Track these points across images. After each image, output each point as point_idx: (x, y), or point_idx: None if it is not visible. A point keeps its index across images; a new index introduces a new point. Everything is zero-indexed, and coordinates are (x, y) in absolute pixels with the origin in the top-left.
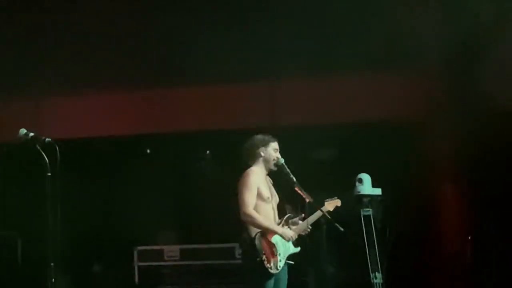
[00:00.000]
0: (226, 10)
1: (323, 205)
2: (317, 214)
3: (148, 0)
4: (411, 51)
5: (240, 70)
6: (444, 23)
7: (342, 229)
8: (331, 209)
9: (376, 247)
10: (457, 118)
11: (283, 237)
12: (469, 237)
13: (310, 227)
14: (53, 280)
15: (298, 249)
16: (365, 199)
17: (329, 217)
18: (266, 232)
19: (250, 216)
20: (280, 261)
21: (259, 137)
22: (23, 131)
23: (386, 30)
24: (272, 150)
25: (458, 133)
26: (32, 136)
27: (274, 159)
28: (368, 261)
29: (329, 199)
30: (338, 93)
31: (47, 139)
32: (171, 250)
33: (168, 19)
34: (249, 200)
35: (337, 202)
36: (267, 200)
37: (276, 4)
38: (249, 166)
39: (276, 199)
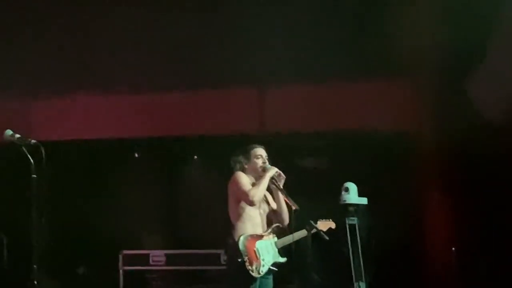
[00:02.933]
0: (216, 15)
1: (315, 211)
2: (304, 232)
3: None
4: (401, 61)
5: (230, 76)
6: (434, 33)
7: (327, 238)
8: (324, 229)
9: (361, 256)
10: (444, 128)
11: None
12: (453, 248)
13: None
14: (35, 282)
15: (284, 259)
16: (350, 208)
17: (314, 226)
18: (251, 236)
19: (254, 195)
20: (263, 266)
21: (242, 149)
22: (8, 132)
23: (377, 39)
24: (255, 158)
25: (445, 143)
26: (17, 138)
27: (260, 166)
28: (352, 270)
29: (324, 220)
30: (326, 101)
31: (32, 141)
32: (157, 255)
33: (160, 21)
34: (246, 188)
35: (331, 224)
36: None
37: (267, 9)
38: None
39: (265, 207)
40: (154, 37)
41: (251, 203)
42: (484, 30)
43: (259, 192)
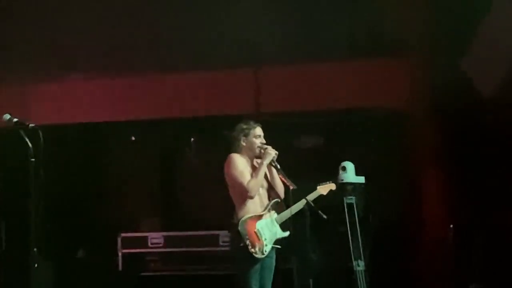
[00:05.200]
0: None
1: (312, 191)
2: (302, 202)
3: None
4: (396, 40)
5: (225, 56)
6: (425, 11)
7: (325, 217)
8: (325, 193)
9: (359, 235)
10: (440, 107)
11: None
12: (451, 226)
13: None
14: (35, 265)
15: (287, 233)
16: (348, 187)
17: (312, 204)
18: (250, 218)
19: (251, 190)
20: (266, 245)
21: (240, 126)
22: (7, 116)
23: (371, 18)
24: (254, 138)
25: (441, 122)
26: (16, 122)
27: (258, 146)
28: (351, 248)
29: (323, 183)
30: (323, 80)
31: (31, 125)
32: (155, 237)
33: (151, 3)
34: (242, 180)
35: (331, 186)
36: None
37: None
38: None
39: (264, 183)
40: (148, 18)
41: (249, 197)
42: (476, 5)
43: (257, 185)
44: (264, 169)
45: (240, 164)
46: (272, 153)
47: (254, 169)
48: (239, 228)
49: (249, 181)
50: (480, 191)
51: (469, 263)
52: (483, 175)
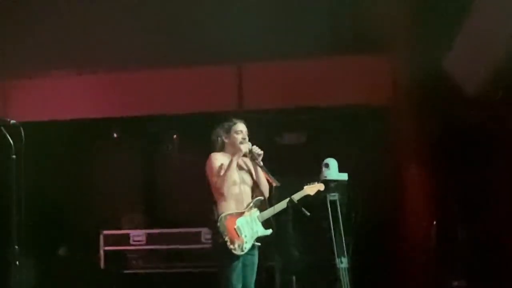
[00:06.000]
0: None
1: (296, 188)
2: (286, 201)
3: None
4: (379, 36)
5: (208, 53)
6: (408, 7)
7: (308, 214)
8: (312, 193)
9: (342, 232)
10: (423, 103)
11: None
12: (434, 222)
13: None
14: (16, 263)
15: (269, 231)
16: (331, 184)
17: (296, 202)
18: (230, 215)
19: (220, 187)
20: (246, 242)
21: (221, 125)
22: None
23: (353, 15)
24: (235, 133)
25: (424, 118)
26: None
27: (240, 141)
28: (334, 245)
29: (310, 183)
30: (306, 77)
31: (12, 121)
32: (137, 235)
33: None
34: (215, 178)
35: (319, 187)
36: (234, 183)
37: None
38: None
39: (248, 180)
40: (130, 15)
41: (220, 194)
42: (462, 3)
43: (224, 181)
44: (233, 166)
45: (218, 162)
46: (243, 148)
47: (238, 166)
48: (219, 224)
49: (218, 178)
50: (463, 187)
51: (452, 259)
52: (466, 171)
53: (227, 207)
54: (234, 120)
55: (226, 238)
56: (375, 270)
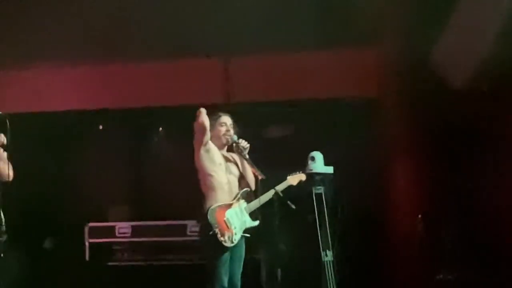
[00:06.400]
0: None
1: (282, 181)
2: (271, 192)
3: None
4: (365, 29)
5: (195, 45)
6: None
7: (294, 207)
8: (295, 184)
9: (327, 225)
10: (410, 97)
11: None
12: (419, 216)
13: None
14: (1, 255)
15: (257, 222)
16: (317, 177)
17: (281, 195)
18: (220, 207)
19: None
20: (236, 234)
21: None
22: None
23: (339, 7)
24: (219, 126)
25: (410, 112)
26: None
27: (224, 134)
28: (319, 239)
29: (293, 174)
30: (293, 70)
31: None
32: (123, 227)
33: None
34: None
35: (301, 176)
36: (219, 166)
37: None
38: None
39: (235, 171)
40: (117, 7)
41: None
42: None
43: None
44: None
45: (206, 137)
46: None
47: (225, 158)
48: (208, 216)
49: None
50: (450, 181)
51: (438, 253)
52: (452, 165)
53: (216, 199)
54: (219, 113)
55: (217, 230)
56: (360, 264)
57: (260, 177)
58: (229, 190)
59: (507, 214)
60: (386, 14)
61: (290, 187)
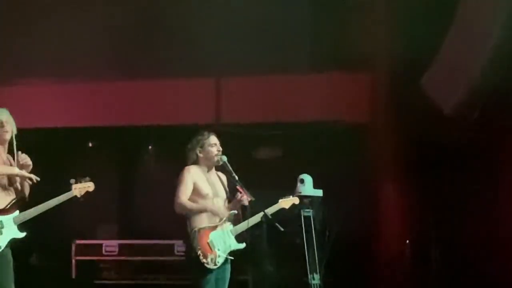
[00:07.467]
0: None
1: (271, 203)
2: (260, 215)
3: None
4: (356, 53)
5: (187, 66)
6: (387, 26)
7: (282, 229)
8: (287, 207)
9: (315, 248)
10: (399, 120)
11: (213, 213)
12: (407, 241)
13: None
14: None
15: (243, 245)
16: (306, 200)
17: (271, 217)
18: (203, 229)
19: (180, 205)
20: (219, 256)
21: (195, 139)
22: None
23: (332, 32)
24: (209, 147)
25: (399, 136)
26: None
27: (216, 154)
28: (307, 261)
29: (285, 197)
30: (283, 93)
31: None
32: (110, 245)
33: (113, 11)
34: (181, 192)
35: (294, 200)
36: (205, 196)
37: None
38: None
39: (222, 193)
40: (109, 25)
41: (175, 209)
42: (439, 24)
43: (184, 210)
44: (200, 209)
45: (187, 177)
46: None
47: (212, 179)
48: (192, 238)
49: (183, 201)
50: (438, 206)
51: (425, 278)
52: (442, 190)
53: (200, 221)
54: (207, 134)
55: (199, 252)
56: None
57: (249, 199)
58: (217, 212)
59: (494, 242)
60: (376, 40)
61: (281, 209)
